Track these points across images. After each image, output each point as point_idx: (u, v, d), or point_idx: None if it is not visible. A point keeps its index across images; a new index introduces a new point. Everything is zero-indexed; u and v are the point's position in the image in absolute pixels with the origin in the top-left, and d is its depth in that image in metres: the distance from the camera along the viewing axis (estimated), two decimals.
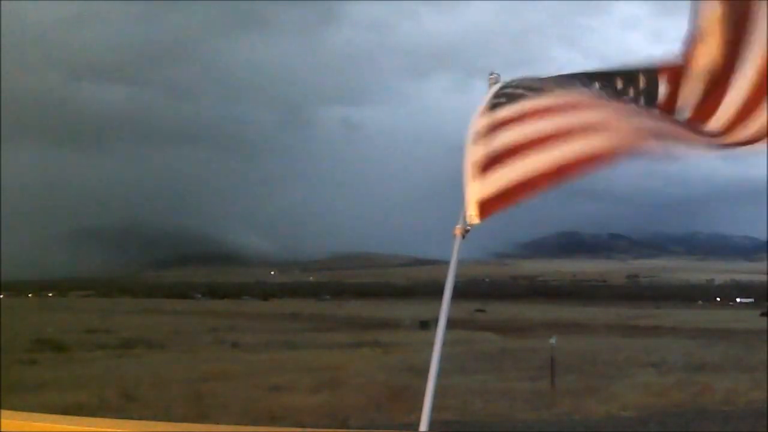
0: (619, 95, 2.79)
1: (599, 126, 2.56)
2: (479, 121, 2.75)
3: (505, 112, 2.72)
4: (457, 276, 2.73)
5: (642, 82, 2.80)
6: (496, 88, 2.91)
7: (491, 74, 2.96)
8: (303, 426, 12.06)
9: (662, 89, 2.77)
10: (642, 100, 2.79)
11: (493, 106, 2.78)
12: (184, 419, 12.49)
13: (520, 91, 2.81)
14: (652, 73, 2.80)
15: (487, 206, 2.60)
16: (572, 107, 2.65)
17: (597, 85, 2.81)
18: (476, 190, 2.61)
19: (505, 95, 2.81)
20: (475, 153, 2.66)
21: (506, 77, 2.97)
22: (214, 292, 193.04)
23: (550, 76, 2.94)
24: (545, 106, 2.68)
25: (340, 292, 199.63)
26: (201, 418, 12.96)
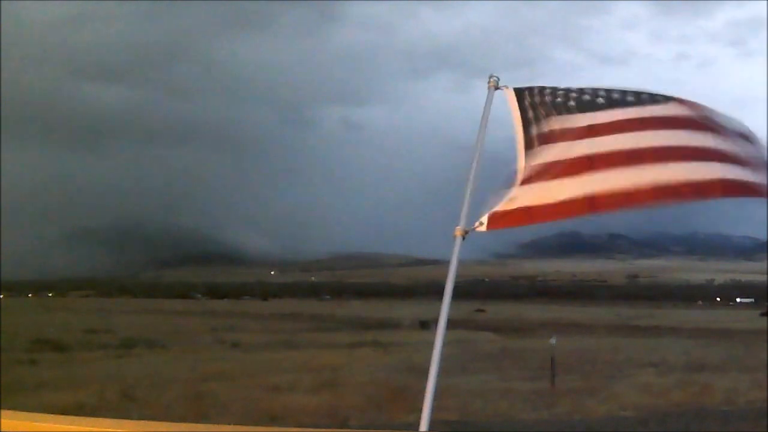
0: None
1: (630, 156, 2.54)
2: (522, 133, 2.77)
3: (536, 130, 2.74)
4: (457, 276, 2.73)
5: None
6: (513, 96, 2.90)
7: (491, 77, 2.97)
8: (303, 426, 12.06)
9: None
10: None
11: (529, 120, 2.81)
12: (184, 419, 12.49)
13: (543, 110, 2.81)
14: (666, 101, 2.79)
15: (497, 220, 2.64)
16: (590, 130, 2.64)
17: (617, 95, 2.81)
18: (495, 202, 2.66)
19: (532, 110, 2.83)
20: (521, 165, 2.69)
21: (506, 79, 2.98)
22: (214, 292, 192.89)
23: (569, 90, 2.92)
24: (565, 128, 2.69)
25: (340, 292, 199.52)
26: (201, 418, 12.96)
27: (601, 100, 2.79)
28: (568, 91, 2.87)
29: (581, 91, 2.86)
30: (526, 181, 2.64)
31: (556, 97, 2.84)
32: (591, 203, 2.51)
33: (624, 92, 2.83)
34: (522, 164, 2.70)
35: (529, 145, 2.72)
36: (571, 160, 2.59)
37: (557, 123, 2.72)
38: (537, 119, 2.79)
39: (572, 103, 2.79)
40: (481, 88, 2.99)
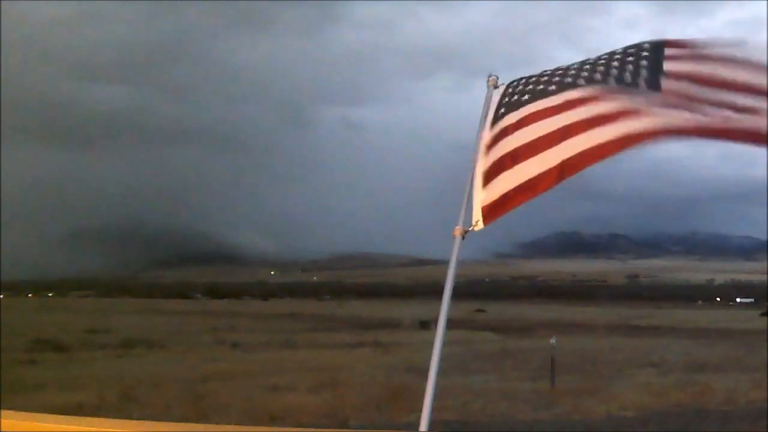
0: (619, 81, 2.70)
1: (599, 119, 2.55)
2: (488, 134, 2.82)
3: (509, 119, 2.78)
4: (457, 276, 2.73)
5: (645, 49, 2.78)
6: (498, 94, 2.93)
7: (490, 76, 2.98)
8: (303, 426, 12.07)
9: (667, 66, 2.69)
10: (643, 75, 2.69)
11: (499, 116, 2.84)
12: (184, 419, 12.50)
13: (517, 97, 2.84)
14: (658, 45, 2.79)
15: (491, 212, 2.70)
16: (572, 104, 2.66)
17: (597, 75, 2.76)
18: (482, 197, 2.72)
19: (507, 104, 2.85)
20: (484, 162, 2.77)
21: (506, 78, 2.98)
22: (214, 292, 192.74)
23: (550, 70, 2.93)
24: (546, 107, 2.71)
25: (340, 292, 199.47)
26: (201, 418, 12.97)
27: (579, 80, 2.75)
28: (552, 74, 2.87)
29: (565, 73, 2.84)
30: (506, 167, 2.69)
31: (539, 84, 2.84)
32: (561, 169, 2.55)
33: (605, 67, 2.78)
34: (486, 160, 2.76)
35: (499, 137, 2.76)
36: (544, 136, 2.62)
37: (533, 107, 2.74)
38: (511, 107, 2.82)
39: (552, 87, 2.78)
40: (481, 87, 2.99)
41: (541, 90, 2.79)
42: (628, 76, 2.69)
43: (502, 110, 2.85)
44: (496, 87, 2.97)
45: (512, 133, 2.73)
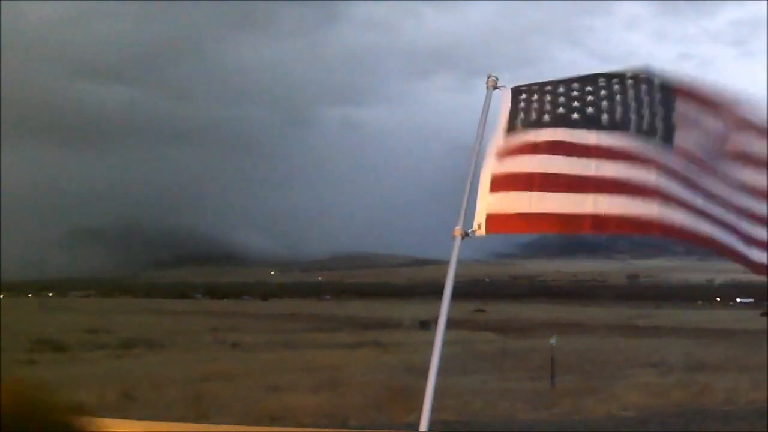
0: (638, 129, 2.68)
1: (633, 189, 2.58)
2: (502, 135, 2.79)
3: (529, 134, 2.75)
4: (457, 276, 2.74)
5: (657, 92, 2.75)
6: (507, 99, 2.90)
7: (489, 77, 2.98)
8: (303, 426, 12.07)
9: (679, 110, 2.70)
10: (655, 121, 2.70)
11: (515, 127, 2.81)
12: (184, 419, 12.49)
13: (535, 116, 2.80)
14: (667, 91, 2.75)
15: (496, 223, 2.68)
16: (603, 153, 2.64)
17: (617, 113, 2.73)
18: (489, 203, 2.68)
19: (525, 118, 2.82)
20: (495, 166, 2.73)
21: (506, 78, 2.98)
22: (214, 292, 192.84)
23: (561, 82, 2.89)
24: (573, 142, 2.68)
25: (340, 292, 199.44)
26: (201, 418, 12.97)
27: (602, 116, 2.74)
28: (566, 95, 2.83)
29: (582, 96, 2.81)
30: (523, 187, 2.66)
31: (557, 107, 2.81)
32: (593, 222, 2.57)
33: (623, 109, 2.75)
34: (499, 164, 2.73)
35: (512, 151, 2.75)
36: (573, 177, 2.62)
37: (556, 134, 2.72)
38: (530, 124, 2.78)
39: (574, 115, 2.76)
40: (481, 87, 2.99)
41: (562, 115, 2.74)
42: (645, 124, 2.67)
43: (520, 120, 2.80)
44: (495, 88, 2.97)
45: (533, 153, 2.69)
